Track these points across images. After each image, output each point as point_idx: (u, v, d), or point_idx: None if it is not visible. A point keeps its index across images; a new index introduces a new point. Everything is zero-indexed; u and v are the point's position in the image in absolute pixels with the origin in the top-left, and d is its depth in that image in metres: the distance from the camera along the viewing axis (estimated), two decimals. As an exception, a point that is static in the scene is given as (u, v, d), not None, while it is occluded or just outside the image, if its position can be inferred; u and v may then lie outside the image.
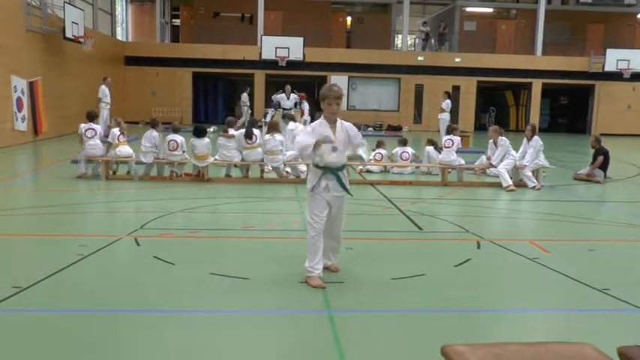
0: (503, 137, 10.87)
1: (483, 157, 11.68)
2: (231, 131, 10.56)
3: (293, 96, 18.00)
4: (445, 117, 18.07)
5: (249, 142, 10.44)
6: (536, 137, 10.72)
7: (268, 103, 19.25)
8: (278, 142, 10.47)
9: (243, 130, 10.67)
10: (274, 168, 10.74)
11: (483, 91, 28.34)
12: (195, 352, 3.65)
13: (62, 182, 10.12)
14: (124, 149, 10.52)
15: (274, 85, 22.24)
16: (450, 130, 11.59)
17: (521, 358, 2.35)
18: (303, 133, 4.95)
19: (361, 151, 4.98)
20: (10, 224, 7.11)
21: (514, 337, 3.74)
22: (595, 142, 12.03)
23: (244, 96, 18.58)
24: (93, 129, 10.38)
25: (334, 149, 4.77)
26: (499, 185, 10.74)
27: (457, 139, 11.21)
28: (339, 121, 4.89)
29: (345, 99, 27.01)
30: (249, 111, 18.12)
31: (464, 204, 9.28)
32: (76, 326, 4.02)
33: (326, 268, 5.10)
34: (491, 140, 11.10)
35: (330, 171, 4.81)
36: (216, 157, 10.62)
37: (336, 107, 4.79)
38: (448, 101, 18.40)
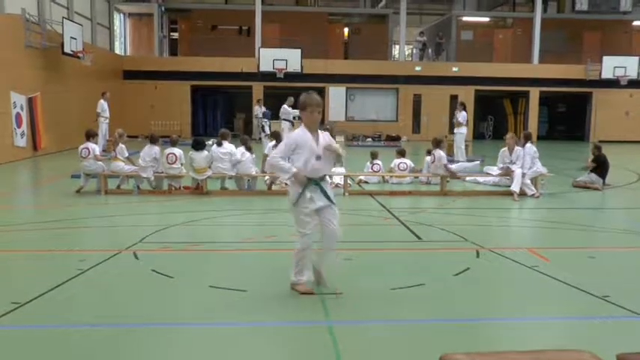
0: (528, 144, 10.78)
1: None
2: (225, 144, 10.55)
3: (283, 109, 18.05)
4: (462, 130, 16.47)
5: None
6: (528, 145, 10.76)
7: (265, 115, 19.23)
8: None
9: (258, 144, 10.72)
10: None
11: (481, 99, 28.38)
12: (195, 366, 3.64)
13: (61, 197, 10.12)
14: (115, 165, 10.55)
15: (273, 98, 22.28)
16: (436, 144, 11.32)
17: (520, 366, 2.34)
18: (281, 150, 4.83)
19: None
20: (9, 240, 7.10)
21: (514, 346, 3.73)
22: (594, 149, 12.05)
23: (256, 109, 18.35)
24: (87, 148, 10.35)
25: (318, 158, 4.76)
26: (498, 194, 10.77)
27: (440, 153, 11.07)
28: (318, 131, 4.88)
29: (343, 110, 27.28)
30: (267, 123, 17.80)
31: (463, 213, 9.28)
32: (75, 341, 4.01)
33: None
34: (505, 148, 11.03)
35: (313, 182, 4.79)
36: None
37: (317, 115, 4.81)
38: (464, 113, 16.59)
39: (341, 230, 4.93)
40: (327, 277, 5.06)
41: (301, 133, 4.84)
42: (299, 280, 4.89)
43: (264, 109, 18.58)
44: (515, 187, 10.32)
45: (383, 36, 29.85)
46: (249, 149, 10.62)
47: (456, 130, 16.87)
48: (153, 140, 10.75)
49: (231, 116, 29.22)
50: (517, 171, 10.46)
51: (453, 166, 12.04)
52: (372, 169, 12.28)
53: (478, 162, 11.21)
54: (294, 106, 17.24)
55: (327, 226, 4.82)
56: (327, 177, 5.11)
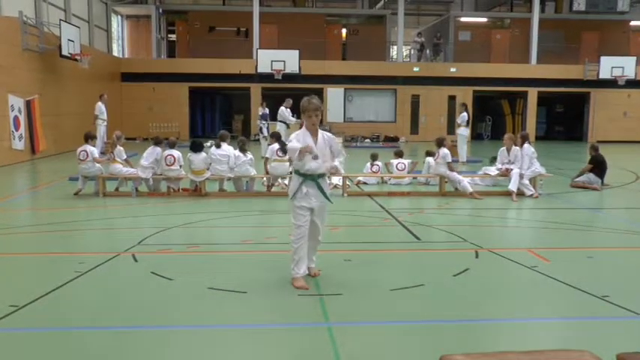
0: (526, 145, 10.77)
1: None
2: (224, 146, 10.54)
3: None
4: (462, 132, 16.51)
5: (281, 155, 10.38)
6: (526, 145, 10.78)
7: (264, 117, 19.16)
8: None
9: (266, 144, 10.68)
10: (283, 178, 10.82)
11: (479, 100, 28.38)
12: (194, 368, 3.63)
13: (60, 200, 10.11)
14: (113, 167, 10.55)
15: (271, 99, 22.22)
16: (439, 143, 11.12)
17: (520, 367, 2.34)
18: (293, 139, 5.17)
19: (337, 162, 5.31)
20: (8, 243, 7.09)
21: (514, 346, 3.72)
22: (591, 150, 12.08)
23: (260, 110, 18.33)
24: (85, 151, 10.31)
25: (315, 157, 5.05)
26: (496, 194, 10.77)
27: (445, 151, 10.95)
28: (319, 131, 5.20)
29: (341, 111, 27.28)
30: (265, 125, 17.72)
31: (462, 213, 9.28)
32: (73, 344, 4.01)
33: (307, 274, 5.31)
34: (503, 147, 11.07)
35: (311, 178, 5.10)
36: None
37: (315, 119, 5.10)
38: (464, 114, 16.53)
39: (325, 230, 5.41)
40: (322, 273, 5.45)
41: (301, 134, 5.12)
42: (296, 273, 5.12)
43: (266, 110, 18.55)
44: (512, 187, 10.34)
45: (381, 37, 29.87)
46: (243, 151, 10.59)
47: (456, 131, 17.00)
48: (157, 142, 10.77)
49: (229, 118, 29.21)
50: (513, 171, 10.48)
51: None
52: (371, 169, 12.28)
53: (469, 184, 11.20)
54: (292, 108, 17.23)
55: (313, 224, 5.20)
56: (326, 177, 5.35)
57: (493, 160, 12.80)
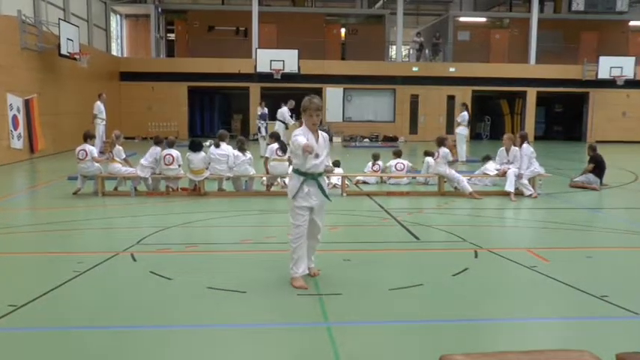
0: (525, 145, 10.77)
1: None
2: (223, 145, 10.53)
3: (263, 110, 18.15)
4: (461, 131, 16.68)
5: (281, 154, 10.37)
6: (525, 145, 10.79)
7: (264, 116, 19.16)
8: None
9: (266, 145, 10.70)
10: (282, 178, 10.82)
11: (478, 100, 28.37)
12: (193, 368, 3.62)
13: (59, 199, 10.10)
14: (112, 166, 10.54)
15: (270, 99, 22.21)
16: (440, 142, 11.07)
17: (520, 367, 2.34)
18: (299, 134, 5.11)
19: (327, 162, 5.49)
20: (6, 242, 7.08)
21: (513, 346, 3.72)
22: (589, 150, 12.10)
23: (259, 109, 18.33)
24: (84, 150, 10.30)
25: (317, 156, 5.06)
26: (495, 194, 10.77)
27: (445, 150, 10.92)
28: (319, 132, 5.22)
29: (340, 111, 27.27)
30: (263, 125, 17.75)
31: (461, 213, 9.28)
32: (72, 344, 4.00)
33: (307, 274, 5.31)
34: (503, 148, 11.08)
35: (311, 177, 5.11)
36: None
37: (316, 119, 5.12)
38: (464, 113, 16.76)
39: (324, 229, 5.44)
40: (322, 273, 5.45)
41: (303, 132, 5.09)
42: (295, 272, 5.13)
43: (265, 110, 18.54)
44: (509, 188, 10.33)
45: (380, 37, 29.86)
46: (242, 151, 10.58)
47: (455, 130, 17.14)
48: (157, 141, 10.77)
49: (228, 117, 29.19)
50: (509, 171, 10.48)
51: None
52: (372, 169, 12.27)
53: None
54: (293, 110, 17.26)
55: (313, 222, 5.21)
56: (325, 176, 5.41)
57: (485, 159, 12.80)
